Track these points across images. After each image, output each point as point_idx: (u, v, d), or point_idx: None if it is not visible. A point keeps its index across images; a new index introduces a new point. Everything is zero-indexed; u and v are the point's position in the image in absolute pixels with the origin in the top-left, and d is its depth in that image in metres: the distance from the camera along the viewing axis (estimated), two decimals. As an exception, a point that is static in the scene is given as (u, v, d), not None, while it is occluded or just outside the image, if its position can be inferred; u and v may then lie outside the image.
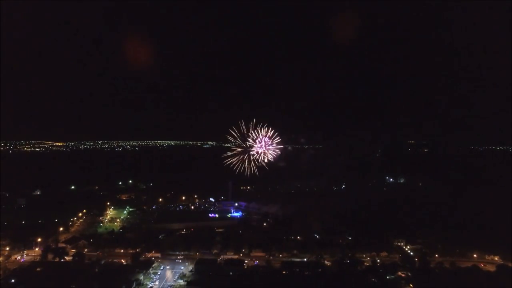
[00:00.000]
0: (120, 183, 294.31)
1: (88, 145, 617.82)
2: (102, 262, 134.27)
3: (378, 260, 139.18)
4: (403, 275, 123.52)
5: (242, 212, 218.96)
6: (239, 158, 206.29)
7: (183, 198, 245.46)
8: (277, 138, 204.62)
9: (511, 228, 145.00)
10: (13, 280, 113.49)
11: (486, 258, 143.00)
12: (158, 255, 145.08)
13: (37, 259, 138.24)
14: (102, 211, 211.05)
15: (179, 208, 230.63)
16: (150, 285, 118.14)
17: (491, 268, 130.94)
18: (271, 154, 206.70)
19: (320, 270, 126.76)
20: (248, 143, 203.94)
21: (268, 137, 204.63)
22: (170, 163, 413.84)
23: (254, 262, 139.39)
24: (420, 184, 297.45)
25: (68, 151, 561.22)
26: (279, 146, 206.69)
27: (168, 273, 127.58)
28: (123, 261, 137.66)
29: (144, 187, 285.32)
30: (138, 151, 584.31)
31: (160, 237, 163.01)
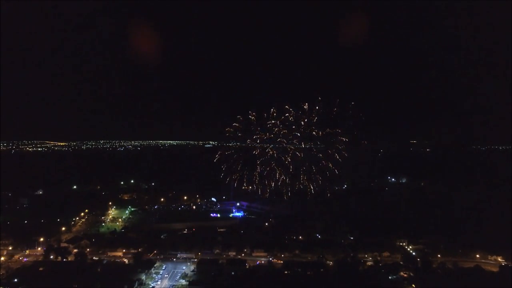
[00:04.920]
0: (122, 183, 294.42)
1: (90, 145, 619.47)
2: (104, 261, 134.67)
3: (380, 260, 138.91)
4: (405, 275, 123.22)
5: (243, 212, 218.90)
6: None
7: (185, 198, 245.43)
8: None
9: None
10: (15, 280, 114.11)
11: (489, 258, 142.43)
12: (160, 255, 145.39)
13: (40, 259, 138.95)
14: (104, 211, 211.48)
15: (181, 208, 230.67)
16: (152, 285, 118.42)
17: (494, 269, 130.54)
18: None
19: (322, 270, 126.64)
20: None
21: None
22: (172, 163, 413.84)
23: (256, 262, 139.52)
24: (422, 184, 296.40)
25: (70, 151, 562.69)
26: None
27: (170, 273, 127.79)
28: (125, 260, 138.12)
29: (146, 187, 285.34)
30: (140, 151, 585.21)
31: (162, 237, 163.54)
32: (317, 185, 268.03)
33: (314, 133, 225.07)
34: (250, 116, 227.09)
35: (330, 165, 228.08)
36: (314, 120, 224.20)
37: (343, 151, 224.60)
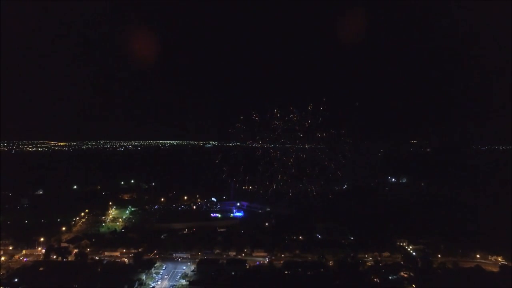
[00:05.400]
0: (122, 183, 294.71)
1: (90, 145, 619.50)
2: (105, 261, 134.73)
3: (380, 260, 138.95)
4: (405, 275, 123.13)
5: (244, 212, 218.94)
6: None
7: (185, 198, 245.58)
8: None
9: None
10: (16, 280, 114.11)
11: (489, 258, 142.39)
12: (160, 255, 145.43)
13: (40, 259, 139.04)
14: (104, 210, 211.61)
15: (181, 208, 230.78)
16: (152, 284, 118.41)
17: (494, 269, 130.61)
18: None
19: (322, 270, 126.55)
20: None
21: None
22: (172, 163, 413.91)
23: (256, 262, 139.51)
24: (422, 184, 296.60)
25: (70, 151, 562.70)
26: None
27: (170, 273, 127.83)
28: (125, 260, 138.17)
29: (146, 187, 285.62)
30: (140, 151, 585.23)
31: (162, 237, 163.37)
32: (318, 185, 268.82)
33: (318, 134, 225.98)
34: (253, 117, 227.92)
35: (332, 165, 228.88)
36: (318, 121, 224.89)
37: (346, 152, 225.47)
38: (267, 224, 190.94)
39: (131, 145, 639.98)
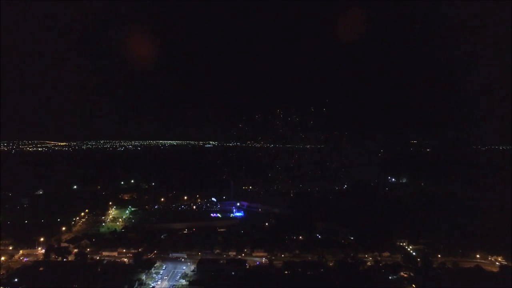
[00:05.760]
0: (122, 183, 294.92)
1: (90, 145, 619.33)
2: (105, 261, 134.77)
3: (380, 260, 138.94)
4: (405, 275, 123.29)
5: (244, 212, 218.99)
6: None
7: (185, 198, 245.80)
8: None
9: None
10: (16, 280, 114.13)
11: (489, 258, 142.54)
12: (160, 255, 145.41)
13: (40, 259, 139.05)
14: (104, 211, 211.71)
15: (181, 208, 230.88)
16: (152, 284, 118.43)
17: (494, 269, 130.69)
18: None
19: (322, 270, 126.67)
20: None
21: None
22: (172, 163, 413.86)
23: (256, 262, 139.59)
24: (423, 184, 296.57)
25: (70, 151, 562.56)
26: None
27: (170, 273, 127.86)
28: (125, 260, 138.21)
29: (146, 187, 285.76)
30: (140, 151, 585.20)
31: (162, 237, 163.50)
32: (319, 185, 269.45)
33: (321, 135, 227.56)
34: (256, 117, 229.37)
35: (333, 165, 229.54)
36: (320, 122, 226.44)
37: (348, 152, 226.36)
38: (267, 224, 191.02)
39: (131, 145, 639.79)
